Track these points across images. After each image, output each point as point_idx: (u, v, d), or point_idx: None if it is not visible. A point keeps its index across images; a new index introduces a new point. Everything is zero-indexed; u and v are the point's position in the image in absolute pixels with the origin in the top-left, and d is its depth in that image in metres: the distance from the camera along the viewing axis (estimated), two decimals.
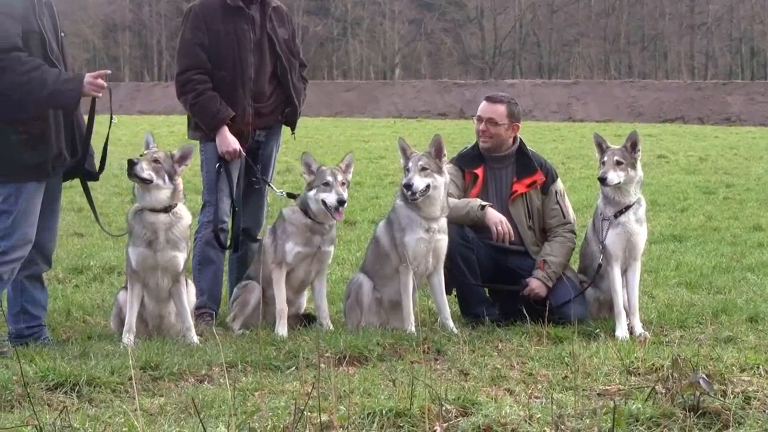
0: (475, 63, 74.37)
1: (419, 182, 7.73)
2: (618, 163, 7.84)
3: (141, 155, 7.53)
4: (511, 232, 8.17)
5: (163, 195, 7.52)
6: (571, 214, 8.57)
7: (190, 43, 8.27)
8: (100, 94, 7.22)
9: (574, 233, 8.52)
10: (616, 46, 72.22)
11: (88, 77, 7.13)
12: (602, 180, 7.84)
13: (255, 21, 8.34)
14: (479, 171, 8.41)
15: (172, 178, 7.54)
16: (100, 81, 7.15)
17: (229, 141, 8.18)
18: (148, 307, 7.66)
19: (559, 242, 8.38)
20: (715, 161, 24.54)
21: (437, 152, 7.81)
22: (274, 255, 7.97)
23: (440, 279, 7.96)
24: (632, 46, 72.50)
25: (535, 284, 8.19)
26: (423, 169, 7.75)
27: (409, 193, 7.70)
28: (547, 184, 8.47)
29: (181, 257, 7.61)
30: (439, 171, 7.81)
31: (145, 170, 7.43)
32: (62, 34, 7.41)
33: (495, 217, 8.15)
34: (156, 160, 7.48)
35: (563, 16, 73.82)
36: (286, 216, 8.05)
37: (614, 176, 7.82)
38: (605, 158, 7.87)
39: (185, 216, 7.68)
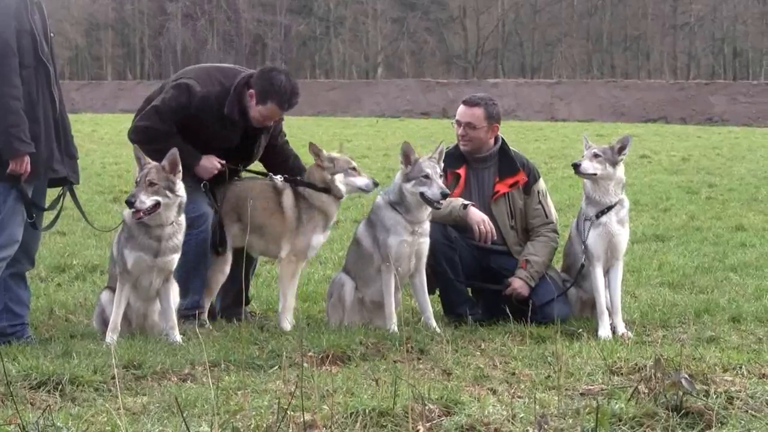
0: (458, 62, 74.32)
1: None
2: (595, 155, 7.88)
3: (136, 182, 7.29)
4: (493, 231, 8.18)
5: (171, 212, 7.39)
6: (554, 214, 8.58)
7: (172, 113, 7.95)
8: None
9: (557, 233, 8.53)
10: (599, 46, 72.29)
11: None
12: (575, 167, 7.89)
13: (247, 132, 8.16)
14: (461, 171, 8.41)
15: (173, 191, 7.33)
16: None
17: (208, 168, 8.02)
18: (133, 305, 7.59)
19: (542, 242, 8.39)
20: (698, 161, 24.57)
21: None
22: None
23: (422, 279, 7.98)
24: (615, 46, 72.55)
25: (518, 284, 8.20)
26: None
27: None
28: (530, 184, 8.47)
29: (177, 258, 7.55)
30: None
31: (146, 201, 7.22)
32: (51, 34, 7.38)
33: (477, 216, 8.16)
34: (151, 183, 7.24)
35: (546, 15, 73.77)
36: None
37: (588, 165, 7.86)
38: (585, 152, 7.92)
39: (184, 222, 7.58)
